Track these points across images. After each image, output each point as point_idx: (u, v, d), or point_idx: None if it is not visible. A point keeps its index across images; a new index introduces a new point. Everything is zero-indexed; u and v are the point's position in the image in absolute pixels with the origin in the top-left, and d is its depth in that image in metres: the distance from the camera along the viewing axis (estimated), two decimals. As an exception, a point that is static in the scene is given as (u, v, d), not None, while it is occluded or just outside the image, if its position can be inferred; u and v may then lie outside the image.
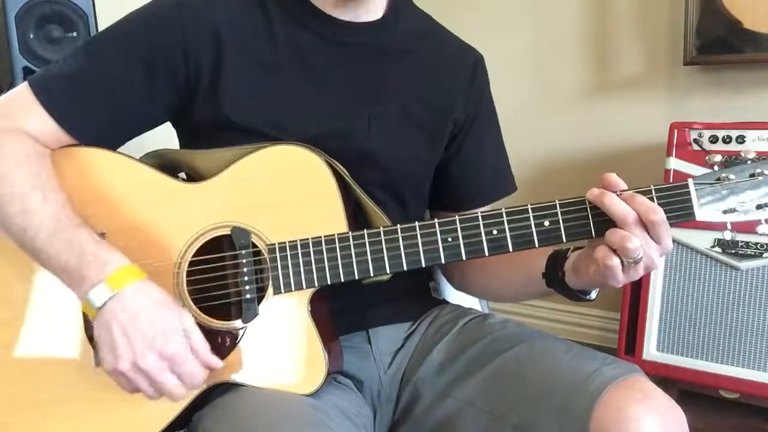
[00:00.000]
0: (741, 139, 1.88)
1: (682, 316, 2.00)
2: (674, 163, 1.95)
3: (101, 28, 1.08)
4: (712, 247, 1.95)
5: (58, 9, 1.99)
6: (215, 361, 0.90)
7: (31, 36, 1.96)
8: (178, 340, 0.87)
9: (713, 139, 1.91)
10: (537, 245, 0.89)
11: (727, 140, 1.90)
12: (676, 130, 1.98)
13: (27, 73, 1.91)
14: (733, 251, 1.91)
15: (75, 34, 1.99)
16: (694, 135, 1.93)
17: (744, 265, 1.90)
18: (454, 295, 1.25)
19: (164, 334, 0.87)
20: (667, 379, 2.01)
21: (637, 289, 2.07)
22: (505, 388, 0.96)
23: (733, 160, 0.86)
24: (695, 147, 1.91)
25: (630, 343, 2.08)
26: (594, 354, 0.96)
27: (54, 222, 0.90)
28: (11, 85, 1.95)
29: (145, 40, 0.99)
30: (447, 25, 1.19)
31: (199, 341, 0.89)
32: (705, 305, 1.97)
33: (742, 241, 1.91)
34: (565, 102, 2.54)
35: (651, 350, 2.04)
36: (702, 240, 1.96)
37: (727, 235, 0.88)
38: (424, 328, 1.11)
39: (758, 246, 1.89)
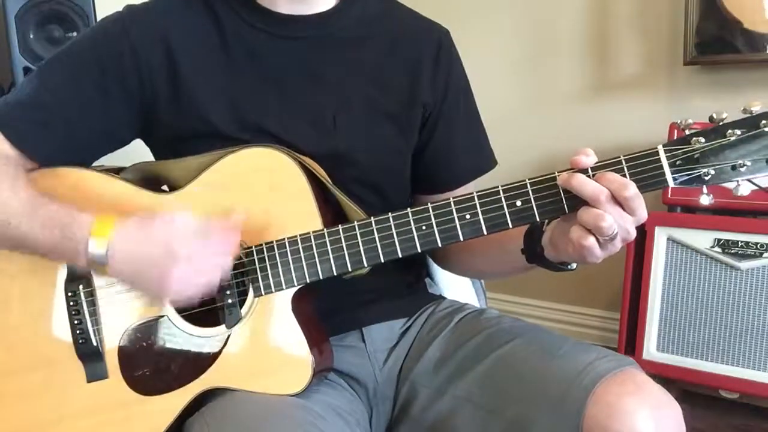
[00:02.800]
0: (728, 120, 1.87)
1: (682, 316, 2.00)
2: (674, 163, 1.95)
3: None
4: (712, 247, 1.95)
5: (58, 9, 1.99)
6: (230, 222, 0.91)
7: (31, 36, 1.96)
8: (179, 242, 0.87)
9: (713, 139, 1.91)
10: (511, 226, 0.88)
11: (714, 121, 1.89)
12: (676, 130, 1.98)
13: (27, 73, 1.91)
14: (733, 251, 1.91)
15: (75, 34, 1.98)
16: (681, 120, 1.93)
17: (744, 265, 1.90)
18: (450, 290, 1.24)
19: (166, 249, 0.87)
20: (667, 379, 2.01)
21: (637, 289, 2.07)
22: (501, 383, 0.95)
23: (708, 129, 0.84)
24: (682, 130, 1.91)
25: (630, 343, 2.08)
26: (588, 347, 0.95)
27: (29, 205, 0.92)
28: (11, 85, 1.95)
29: (96, 60, 0.99)
30: (445, 24, 1.16)
31: (198, 226, 0.89)
32: (705, 305, 1.97)
33: (742, 241, 1.91)
34: (565, 102, 2.54)
35: (651, 350, 2.05)
36: (702, 240, 1.96)
37: (704, 200, 0.85)
38: (420, 324, 1.10)
39: (758, 246, 1.89)
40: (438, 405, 1.00)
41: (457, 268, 1.19)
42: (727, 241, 1.93)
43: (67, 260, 0.94)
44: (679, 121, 0.86)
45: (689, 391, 2.06)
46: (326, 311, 1.00)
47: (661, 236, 2.02)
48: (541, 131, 2.58)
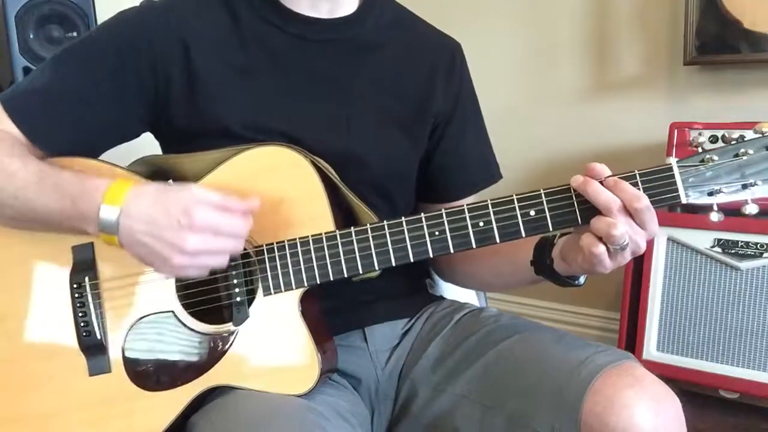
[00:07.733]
0: (741, 139, 1.87)
1: (682, 316, 2.00)
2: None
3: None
4: (712, 247, 1.95)
5: (58, 9, 1.99)
6: (246, 204, 0.89)
7: (31, 36, 1.96)
8: (199, 208, 0.86)
9: (713, 139, 1.91)
10: (524, 235, 0.89)
11: (727, 140, 1.90)
12: (676, 130, 1.98)
13: (27, 73, 1.91)
14: (733, 251, 1.91)
15: (75, 34, 1.99)
16: (694, 135, 1.93)
17: (744, 265, 1.90)
18: (450, 291, 1.24)
19: (184, 212, 0.85)
20: (667, 379, 2.00)
21: (637, 289, 2.07)
22: (499, 379, 0.96)
23: (717, 142, 0.86)
24: (695, 147, 1.91)
25: (630, 343, 2.08)
26: (586, 343, 0.96)
27: (37, 175, 0.92)
28: (11, 84, 1.95)
29: (112, 53, 0.99)
30: (445, 25, 1.17)
31: (217, 198, 0.88)
32: (705, 305, 1.96)
33: (742, 241, 1.91)
34: (565, 102, 2.54)
35: (651, 350, 2.04)
36: (702, 240, 1.96)
37: (714, 217, 0.86)
38: (420, 324, 1.11)
39: (758, 246, 1.88)
40: (437, 403, 1.00)
41: (460, 279, 1.20)
42: (727, 241, 1.92)
43: (78, 228, 0.92)
44: (691, 138, 0.89)
45: (689, 391, 2.06)
46: (328, 311, 1.00)
47: (661, 236, 2.02)
48: (541, 131, 2.58)
